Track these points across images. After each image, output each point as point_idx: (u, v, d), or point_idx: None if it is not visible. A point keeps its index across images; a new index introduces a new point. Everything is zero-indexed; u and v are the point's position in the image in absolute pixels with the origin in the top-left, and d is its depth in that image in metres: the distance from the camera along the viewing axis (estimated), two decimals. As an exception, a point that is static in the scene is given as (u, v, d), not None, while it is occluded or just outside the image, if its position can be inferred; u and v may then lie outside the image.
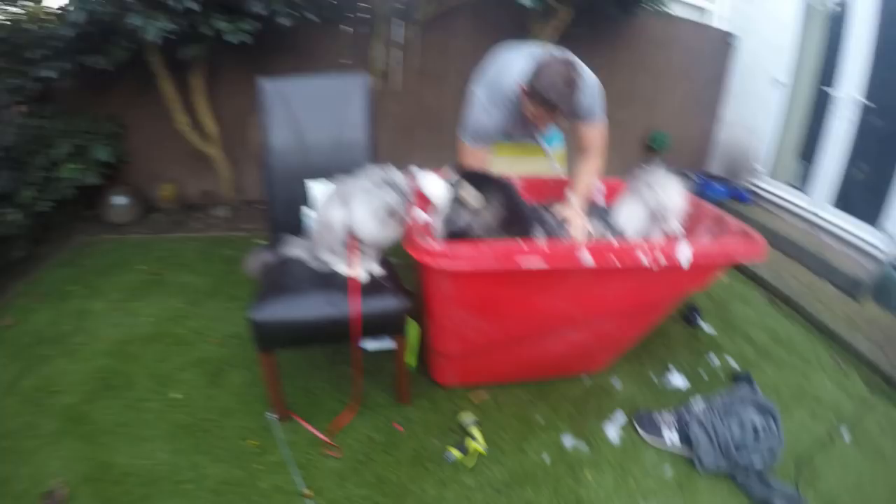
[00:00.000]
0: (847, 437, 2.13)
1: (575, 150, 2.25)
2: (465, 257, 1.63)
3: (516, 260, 1.65)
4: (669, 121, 4.51)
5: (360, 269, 1.90)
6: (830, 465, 1.99)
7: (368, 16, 3.72)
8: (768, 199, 4.12)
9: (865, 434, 2.17)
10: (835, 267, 3.29)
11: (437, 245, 1.65)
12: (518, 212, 1.89)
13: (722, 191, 4.24)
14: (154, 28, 2.81)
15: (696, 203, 2.25)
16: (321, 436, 1.90)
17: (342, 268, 1.90)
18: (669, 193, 2.10)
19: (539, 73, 1.84)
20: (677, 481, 1.87)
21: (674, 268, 1.78)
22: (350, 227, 1.84)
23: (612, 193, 2.36)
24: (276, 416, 1.95)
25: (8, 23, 3.14)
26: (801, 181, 3.97)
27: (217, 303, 2.74)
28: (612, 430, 2.04)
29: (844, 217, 3.55)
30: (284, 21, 3.06)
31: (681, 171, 4.37)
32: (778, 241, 3.65)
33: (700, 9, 4.63)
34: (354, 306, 1.77)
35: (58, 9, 3.17)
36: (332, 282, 1.85)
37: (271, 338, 1.77)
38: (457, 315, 1.87)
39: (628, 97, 4.36)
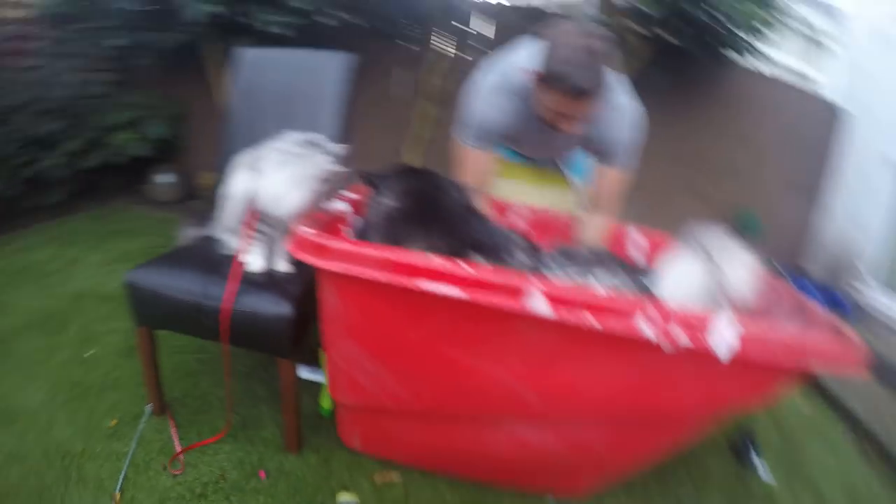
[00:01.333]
0: None
1: (589, 205, 1.53)
2: (340, 254, 0.93)
3: (413, 276, 0.89)
4: (762, 201, 3.40)
5: (258, 255, 1.32)
6: None
7: (422, 34, 3.17)
8: (876, 316, 2.88)
9: None
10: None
11: (312, 233, 0.97)
12: (434, 212, 1.12)
13: (818, 297, 3.04)
14: (197, 9, 2.55)
15: (770, 282, 1.32)
16: (176, 445, 1.41)
17: (240, 251, 1.33)
18: (734, 265, 1.21)
19: (551, 46, 1.15)
20: None
21: (704, 356, 0.91)
22: (253, 197, 1.26)
23: (655, 250, 1.50)
24: (151, 406, 1.52)
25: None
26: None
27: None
28: None
29: None
30: (326, 20, 2.69)
31: (770, 263, 3.30)
32: (883, 372, 2.43)
33: (807, 77, 3.61)
34: (226, 295, 1.21)
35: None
36: (224, 266, 1.30)
37: (141, 307, 1.33)
38: (346, 346, 1.11)
39: (714, 166, 3.37)
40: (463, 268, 0.89)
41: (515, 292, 0.87)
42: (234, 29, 2.72)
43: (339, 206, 1.24)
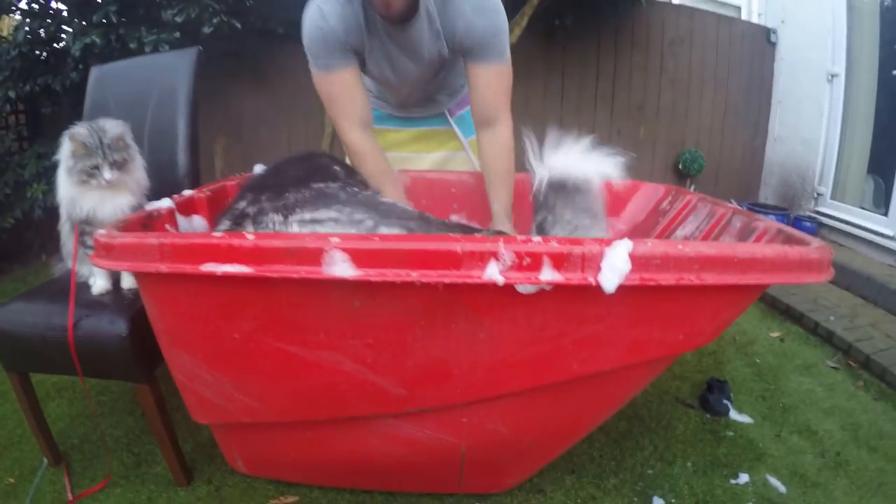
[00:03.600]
0: None
1: (476, 123, 1.22)
2: (125, 249, 0.73)
3: (195, 260, 0.69)
4: (704, 138, 3.17)
5: (97, 275, 1.13)
6: None
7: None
8: (837, 228, 2.65)
9: None
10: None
11: (102, 233, 0.76)
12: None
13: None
14: (80, 42, 2.34)
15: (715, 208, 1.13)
16: (69, 496, 1.20)
17: (88, 277, 1.18)
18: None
19: None
20: None
21: (597, 297, 0.67)
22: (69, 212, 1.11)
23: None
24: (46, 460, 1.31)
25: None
26: (876, 200, 2.52)
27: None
28: None
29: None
30: (206, 28, 2.42)
31: (723, 201, 3.08)
32: (853, 281, 2.21)
33: (726, 4, 3.39)
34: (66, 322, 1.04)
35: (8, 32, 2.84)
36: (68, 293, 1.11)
37: (5, 352, 1.16)
38: (177, 357, 0.89)
39: (646, 110, 3.11)
40: (245, 238, 0.63)
41: (310, 256, 0.61)
42: (122, 56, 2.48)
43: (163, 203, 0.98)
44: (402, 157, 1.40)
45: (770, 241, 0.88)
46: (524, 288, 0.65)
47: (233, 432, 1.01)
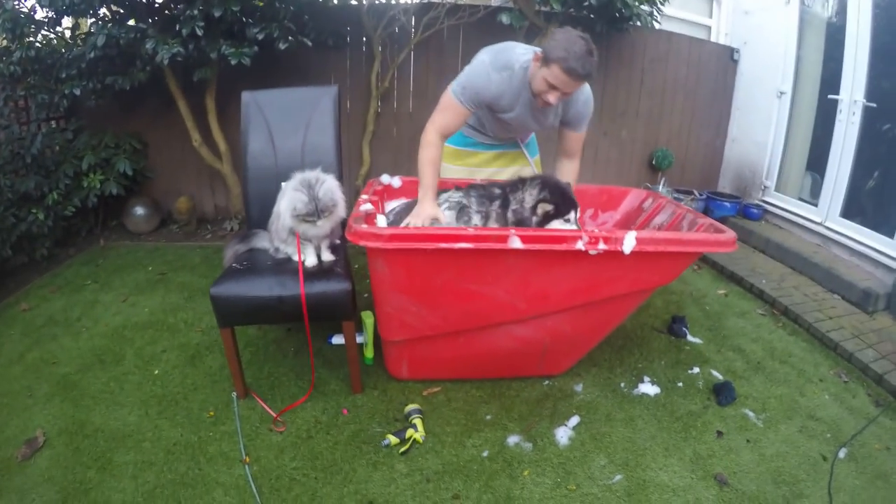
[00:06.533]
0: (843, 456, 1.87)
1: (559, 154, 2.20)
2: (389, 237, 1.64)
3: (438, 241, 1.63)
4: (674, 138, 4.34)
5: (309, 255, 1.96)
6: (818, 485, 1.73)
7: (363, 39, 3.85)
8: (778, 214, 3.85)
9: (866, 453, 1.89)
10: (846, 280, 3.01)
11: (365, 227, 1.67)
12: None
13: (728, 208, 4.01)
14: (166, 51, 3.03)
15: (675, 208, 2.17)
16: (271, 412, 1.96)
17: (294, 255, 1.97)
18: None
19: (560, 40, 1.74)
20: (626, 490, 1.68)
21: (619, 256, 1.68)
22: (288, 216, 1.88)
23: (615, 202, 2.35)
24: (236, 393, 2.04)
25: (40, 45, 3.42)
26: (811, 193, 3.70)
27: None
28: (563, 433, 1.89)
29: (855, 228, 3.27)
30: (281, 45, 3.21)
31: (688, 189, 4.21)
32: (785, 256, 3.38)
33: (699, 24, 4.52)
34: (299, 287, 1.83)
35: (83, 33, 3.45)
36: (284, 267, 1.94)
37: (228, 312, 1.88)
38: (395, 299, 1.83)
39: (628, 115, 4.24)
40: (468, 229, 1.61)
41: (502, 239, 1.60)
42: (200, 63, 3.22)
43: (367, 207, 1.91)
44: (489, 171, 2.33)
45: (705, 230, 1.92)
46: (592, 251, 1.65)
47: (408, 346, 1.97)
